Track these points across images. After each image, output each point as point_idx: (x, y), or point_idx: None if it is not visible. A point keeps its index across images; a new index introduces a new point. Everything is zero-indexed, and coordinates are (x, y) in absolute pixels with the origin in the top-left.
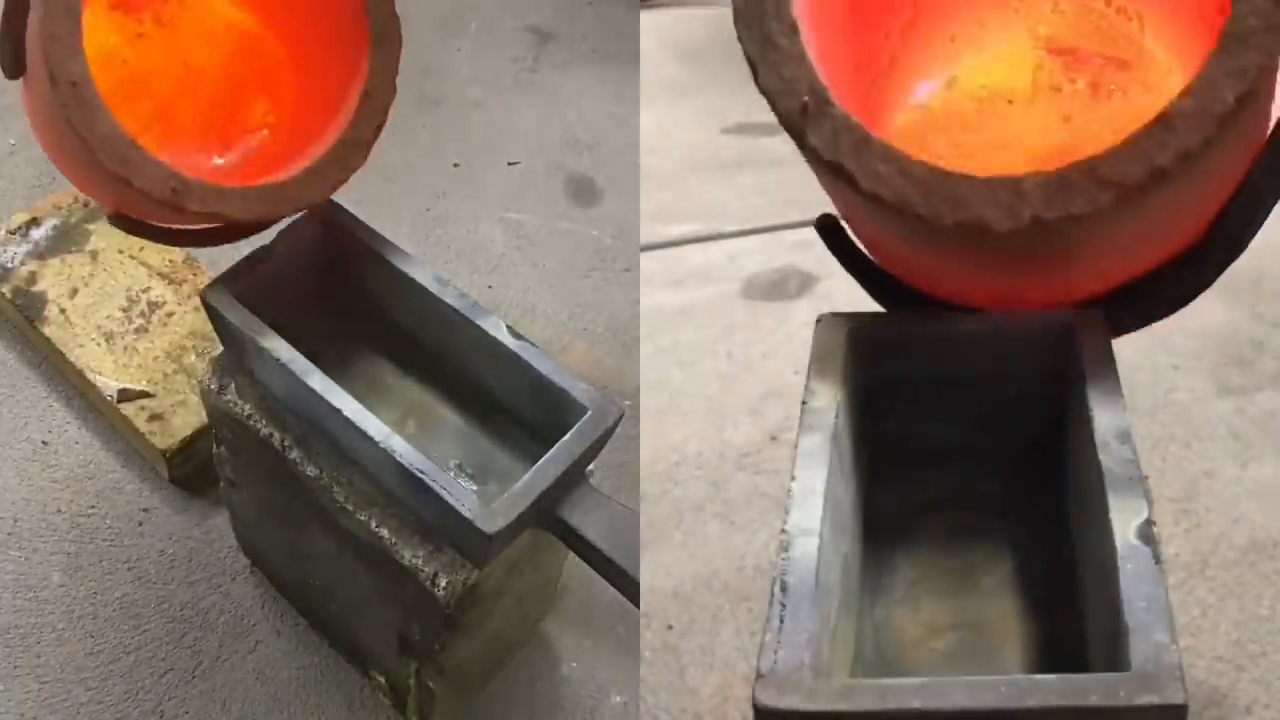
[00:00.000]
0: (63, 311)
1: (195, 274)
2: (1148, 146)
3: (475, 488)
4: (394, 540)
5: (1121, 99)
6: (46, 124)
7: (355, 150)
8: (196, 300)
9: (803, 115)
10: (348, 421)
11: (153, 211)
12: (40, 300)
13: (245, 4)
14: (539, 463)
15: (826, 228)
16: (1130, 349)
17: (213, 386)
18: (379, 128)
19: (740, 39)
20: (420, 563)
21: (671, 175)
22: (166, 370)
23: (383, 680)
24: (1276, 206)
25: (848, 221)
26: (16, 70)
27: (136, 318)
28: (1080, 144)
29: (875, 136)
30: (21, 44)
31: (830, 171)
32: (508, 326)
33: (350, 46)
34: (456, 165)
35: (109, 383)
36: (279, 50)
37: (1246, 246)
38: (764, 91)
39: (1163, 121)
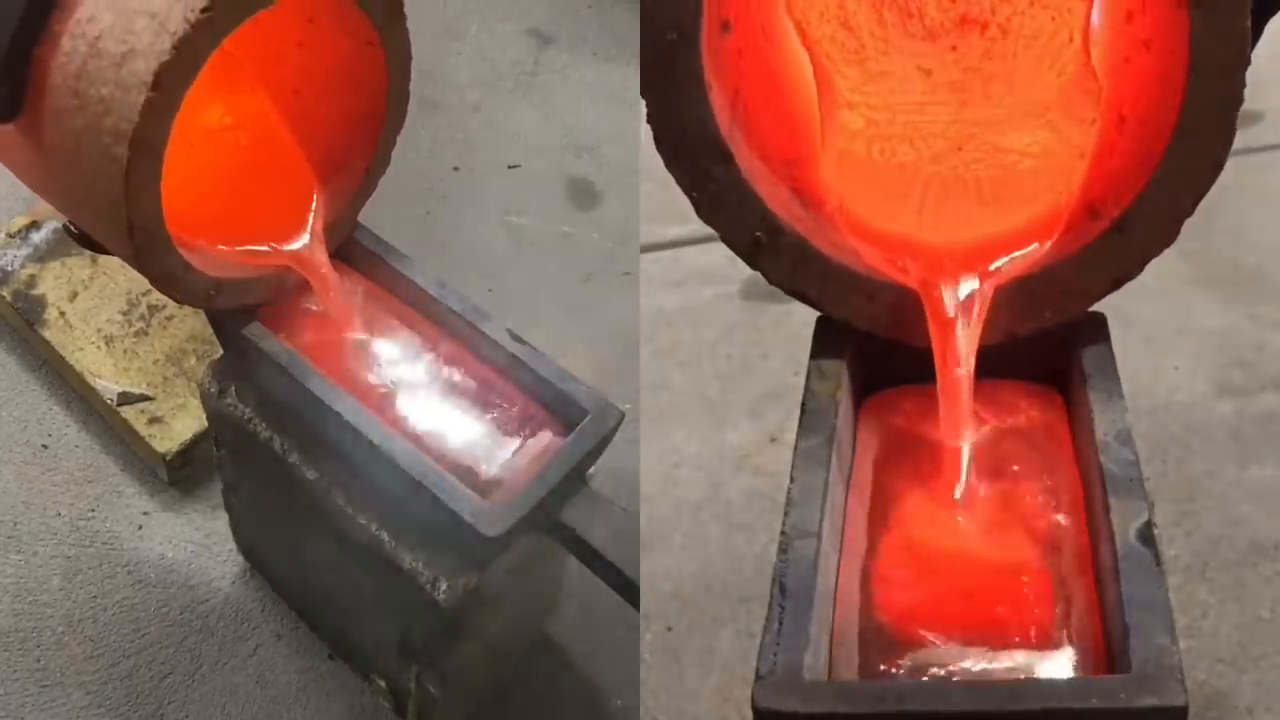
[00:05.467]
0: (63, 315)
1: None
2: (1109, 260)
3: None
4: (394, 544)
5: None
6: (40, 164)
7: (347, 224)
8: None
9: (756, 249)
10: (348, 424)
11: None
12: (40, 303)
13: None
14: (540, 466)
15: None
16: (1130, 349)
17: (213, 390)
18: (368, 197)
19: (669, 170)
20: (421, 566)
21: (671, 177)
22: (166, 373)
23: (383, 684)
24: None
25: None
26: (13, 113)
27: (136, 321)
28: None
29: (835, 262)
30: (24, 86)
31: (796, 298)
32: (508, 329)
33: (363, 129)
34: (456, 169)
35: (109, 386)
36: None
37: None
38: (710, 225)
39: (1122, 228)
